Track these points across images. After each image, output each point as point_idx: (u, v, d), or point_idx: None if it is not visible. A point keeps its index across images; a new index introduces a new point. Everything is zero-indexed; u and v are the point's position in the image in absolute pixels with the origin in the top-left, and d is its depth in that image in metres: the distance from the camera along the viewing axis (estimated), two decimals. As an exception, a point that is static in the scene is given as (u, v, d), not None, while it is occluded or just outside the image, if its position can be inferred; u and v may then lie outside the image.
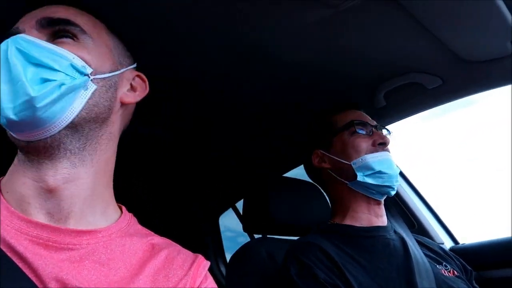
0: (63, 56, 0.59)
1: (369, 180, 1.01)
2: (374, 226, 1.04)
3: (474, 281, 1.06)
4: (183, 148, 1.63)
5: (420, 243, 1.08)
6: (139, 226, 0.71)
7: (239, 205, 2.18)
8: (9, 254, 0.51)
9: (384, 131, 1.12)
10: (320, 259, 0.90)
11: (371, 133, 1.08)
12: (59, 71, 0.57)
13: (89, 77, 0.60)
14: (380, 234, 1.02)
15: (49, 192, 0.58)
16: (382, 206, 1.07)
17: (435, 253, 1.08)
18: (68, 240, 0.56)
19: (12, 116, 0.54)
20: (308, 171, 1.26)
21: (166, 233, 0.88)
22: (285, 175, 1.71)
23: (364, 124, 1.09)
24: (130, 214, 0.71)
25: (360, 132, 1.07)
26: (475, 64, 1.04)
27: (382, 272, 0.89)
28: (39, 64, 0.56)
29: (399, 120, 1.32)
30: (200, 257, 0.70)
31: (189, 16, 0.88)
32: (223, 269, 2.32)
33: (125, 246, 0.62)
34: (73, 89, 0.58)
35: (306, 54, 1.03)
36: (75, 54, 0.60)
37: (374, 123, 1.12)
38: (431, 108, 1.23)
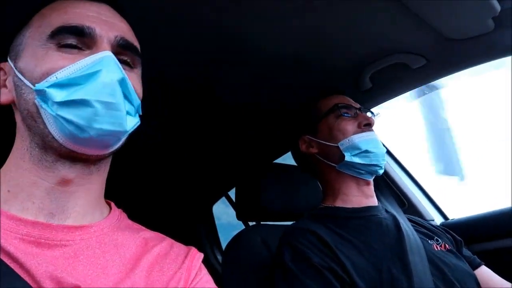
0: (136, 95, 0.63)
1: (356, 160, 1.03)
2: (366, 206, 1.05)
3: (464, 249, 1.09)
4: (173, 141, 1.62)
5: (411, 221, 1.10)
6: (129, 221, 0.71)
7: (232, 193, 2.19)
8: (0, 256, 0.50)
9: (368, 113, 1.14)
10: (313, 242, 0.91)
11: (355, 115, 1.10)
12: (135, 108, 0.62)
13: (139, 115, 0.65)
14: (372, 213, 1.03)
15: (60, 193, 0.59)
16: (372, 187, 1.09)
17: (426, 229, 1.11)
18: (61, 237, 0.56)
19: (95, 136, 0.56)
20: (296, 158, 1.27)
21: (161, 225, 0.88)
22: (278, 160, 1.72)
23: (348, 107, 1.11)
24: (119, 209, 0.71)
25: (345, 115, 1.09)
26: (458, 42, 1.05)
27: (376, 251, 0.91)
28: (127, 99, 0.60)
29: (385, 101, 1.33)
30: (193, 250, 0.70)
31: (170, 12, 0.87)
32: (219, 257, 2.34)
33: (118, 240, 0.62)
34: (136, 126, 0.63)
35: (290, 41, 1.03)
36: (138, 92, 0.65)
37: (358, 105, 1.13)
38: (417, 87, 1.24)
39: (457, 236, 1.11)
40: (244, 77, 1.20)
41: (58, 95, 0.55)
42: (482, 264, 1.06)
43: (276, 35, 1.00)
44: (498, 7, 0.92)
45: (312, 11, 0.91)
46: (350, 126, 1.07)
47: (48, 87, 0.55)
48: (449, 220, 1.55)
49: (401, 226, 0.99)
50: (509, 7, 0.94)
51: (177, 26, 0.93)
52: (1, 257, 0.50)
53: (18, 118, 0.62)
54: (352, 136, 1.05)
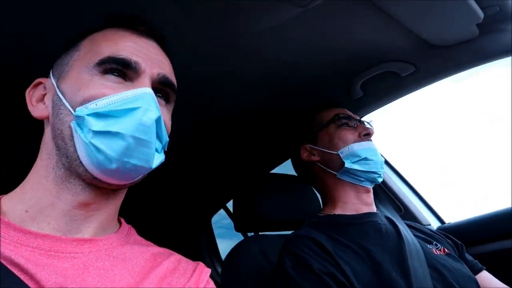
0: (166, 133, 0.65)
1: (356, 167, 1.05)
2: (365, 213, 1.07)
3: (466, 254, 1.10)
4: (171, 154, 1.63)
5: (409, 226, 1.12)
6: (139, 237, 0.72)
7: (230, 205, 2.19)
8: (9, 267, 0.51)
9: (367, 124, 1.16)
10: (313, 249, 0.92)
11: (355, 125, 1.13)
12: (162, 145, 0.65)
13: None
14: (371, 219, 1.05)
15: (76, 216, 0.60)
16: (371, 195, 1.11)
17: (424, 234, 1.12)
18: (71, 249, 0.57)
19: (121, 169, 0.57)
20: (296, 167, 1.29)
21: (161, 237, 0.88)
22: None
23: (349, 118, 1.14)
24: (129, 225, 0.73)
25: (345, 125, 1.12)
26: (444, 49, 1.07)
27: (375, 256, 0.92)
28: (158, 137, 0.62)
29: (376, 109, 1.35)
30: (201, 265, 0.71)
31: (172, 25, 0.89)
32: (219, 268, 2.33)
33: (126, 254, 0.63)
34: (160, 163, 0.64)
35: (279, 54, 1.05)
36: (167, 127, 0.67)
37: (358, 117, 1.17)
38: (407, 94, 1.26)
39: (457, 241, 1.13)
40: (239, 90, 1.22)
41: (96, 124, 0.57)
42: (484, 269, 1.07)
43: (267, 48, 1.02)
44: (481, 14, 0.94)
45: (300, 23, 0.93)
46: (350, 135, 1.10)
47: (88, 114, 0.57)
48: (445, 224, 1.55)
49: (401, 231, 1.01)
50: (492, 14, 0.96)
51: (177, 38, 0.94)
52: (10, 268, 0.51)
53: (48, 134, 0.63)
54: (352, 145, 1.08)
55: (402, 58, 1.13)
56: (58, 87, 0.63)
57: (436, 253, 1.02)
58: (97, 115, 0.57)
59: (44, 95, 0.66)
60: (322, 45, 1.04)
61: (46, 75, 0.67)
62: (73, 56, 0.65)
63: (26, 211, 0.59)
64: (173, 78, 0.69)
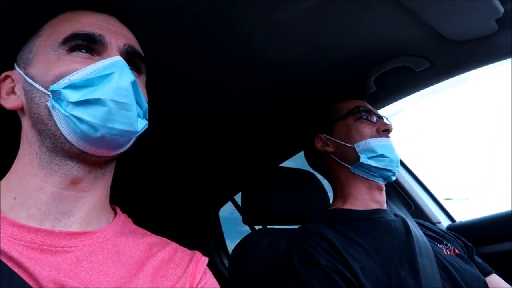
0: (145, 100, 0.66)
1: (371, 162, 1.03)
2: (374, 209, 1.05)
3: (476, 257, 1.09)
4: (179, 146, 1.63)
5: (420, 225, 1.10)
6: (134, 226, 0.72)
7: (238, 198, 2.19)
8: (4, 260, 0.51)
9: (386, 120, 1.14)
10: (321, 245, 0.91)
11: (375, 120, 1.11)
12: (143, 111, 0.65)
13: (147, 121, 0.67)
14: (381, 216, 1.04)
15: (66, 198, 0.60)
16: (383, 193, 1.09)
17: (435, 232, 1.11)
18: (64, 243, 0.57)
19: (107, 136, 0.58)
20: (309, 157, 1.27)
21: (167, 230, 0.88)
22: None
23: (368, 112, 1.12)
24: (125, 215, 0.72)
25: (364, 117, 1.10)
26: (461, 44, 1.05)
27: (384, 253, 0.91)
28: (137, 102, 0.62)
29: (389, 104, 1.33)
30: (198, 254, 0.70)
31: (175, 15, 0.88)
32: (226, 261, 2.34)
33: (120, 246, 0.63)
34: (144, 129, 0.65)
35: (292, 47, 1.03)
36: (144, 96, 0.67)
37: (378, 112, 1.14)
38: (421, 90, 1.24)
39: (468, 242, 1.11)
40: (249, 84, 1.20)
41: (73, 95, 0.57)
42: (493, 272, 1.05)
43: (279, 41, 1.00)
44: (501, 8, 0.92)
45: (313, 17, 0.91)
46: (368, 129, 1.08)
47: (63, 88, 0.58)
48: (456, 223, 1.54)
49: (411, 228, 1.00)
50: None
51: (185, 34, 0.94)
52: (5, 262, 0.51)
53: (26, 123, 0.63)
54: (369, 139, 1.05)
55: (417, 53, 1.10)
56: (26, 74, 0.63)
57: (446, 253, 1.01)
58: (73, 86, 0.58)
59: (13, 87, 0.66)
60: (335, 37, 1.02)
61: (10, 69, 0.68)
62: (35, 42, 0.66)
63: (15, 198, 0.59)
64: (139, 49, 0.70)
